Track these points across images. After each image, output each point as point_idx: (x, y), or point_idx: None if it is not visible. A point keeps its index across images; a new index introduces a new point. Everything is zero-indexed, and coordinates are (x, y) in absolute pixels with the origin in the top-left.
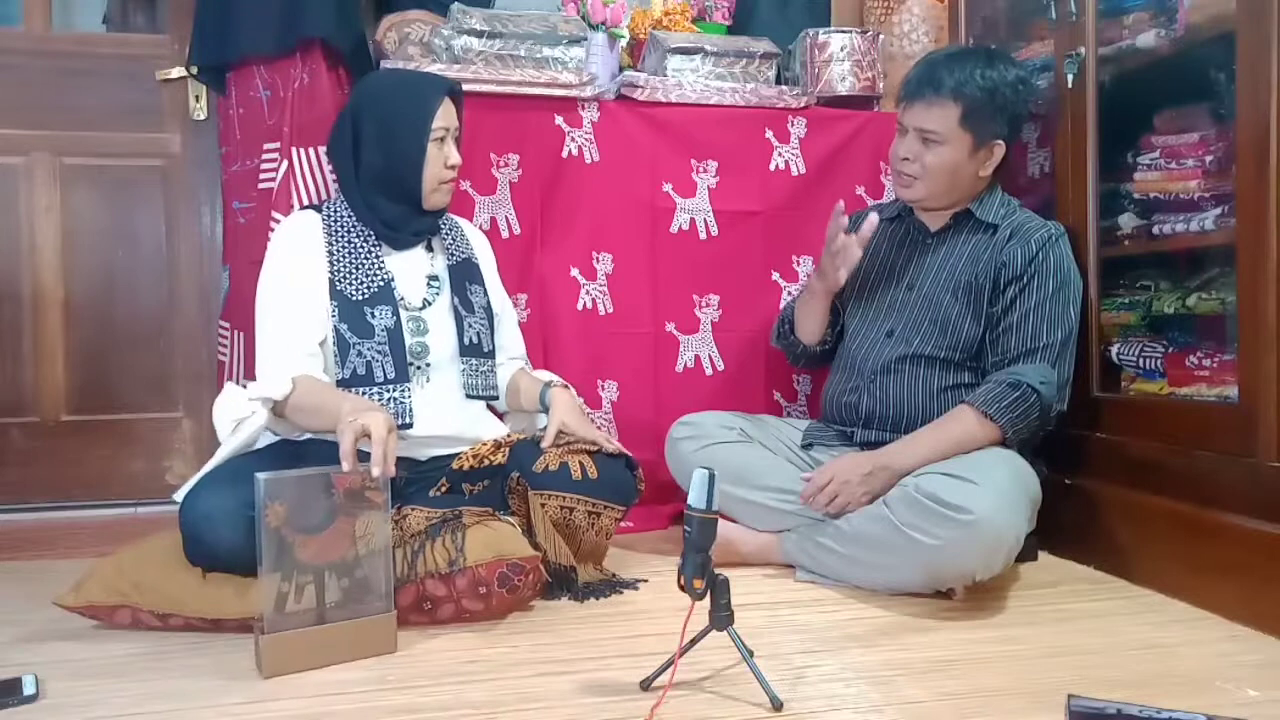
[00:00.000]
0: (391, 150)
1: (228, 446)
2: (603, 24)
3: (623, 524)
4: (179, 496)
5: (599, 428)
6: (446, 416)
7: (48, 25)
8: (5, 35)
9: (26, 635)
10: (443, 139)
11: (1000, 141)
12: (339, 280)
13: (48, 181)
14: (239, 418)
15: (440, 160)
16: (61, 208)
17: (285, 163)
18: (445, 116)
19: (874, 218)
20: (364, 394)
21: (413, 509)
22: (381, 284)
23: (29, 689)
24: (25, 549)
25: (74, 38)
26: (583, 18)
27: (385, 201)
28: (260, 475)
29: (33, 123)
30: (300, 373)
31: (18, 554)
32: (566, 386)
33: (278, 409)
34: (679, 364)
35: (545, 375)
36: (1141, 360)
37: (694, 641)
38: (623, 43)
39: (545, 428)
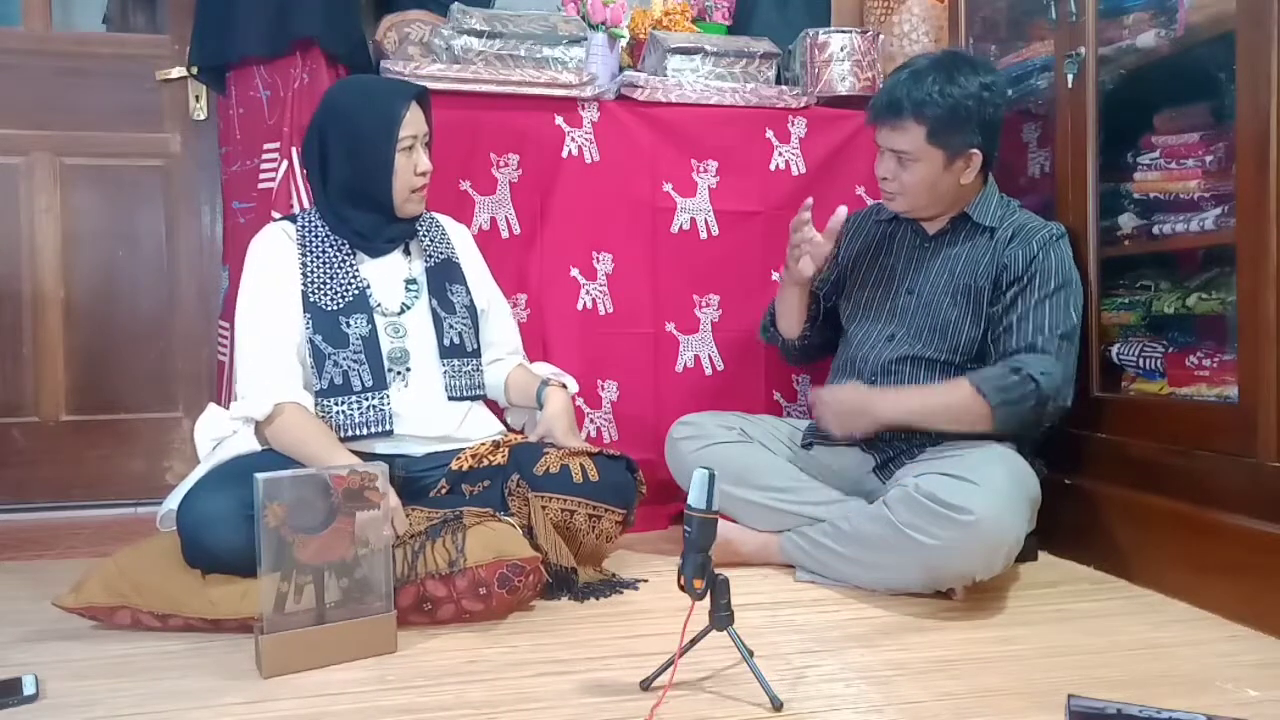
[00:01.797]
0: (359, 163)
1: (207, 463)
2: (603, 24)
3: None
4: (161, 523)
5: (599, 429)
6: (432, 419)
7: (48, 25)
8: (5, 35)
9: (26, 635)
10: (411, 147)
11: (975, 150)
12: (312, 292)
13: (48, 181)
14: (219, 437)
15: (410, 169)
16: (61, 208)
17: (285, 163)
18: (412, 124)
19: (841, 212)
20: (343, 403)
21: (413, 509)
22: (356, 292)
23: (29, 689)
24: (25, 549)
25: (74, 38)
26: (583, 18)
27: (356, 212)
28: (259, 476)
29: (33, 123)
30: (284, 398)
31: (18, 554)
32: (563, 386)
33: (258, 430)
34: (679, 364)
35: (545, 370)
36: (1141, 360)
37: (694, 641)
38: (623, 43)
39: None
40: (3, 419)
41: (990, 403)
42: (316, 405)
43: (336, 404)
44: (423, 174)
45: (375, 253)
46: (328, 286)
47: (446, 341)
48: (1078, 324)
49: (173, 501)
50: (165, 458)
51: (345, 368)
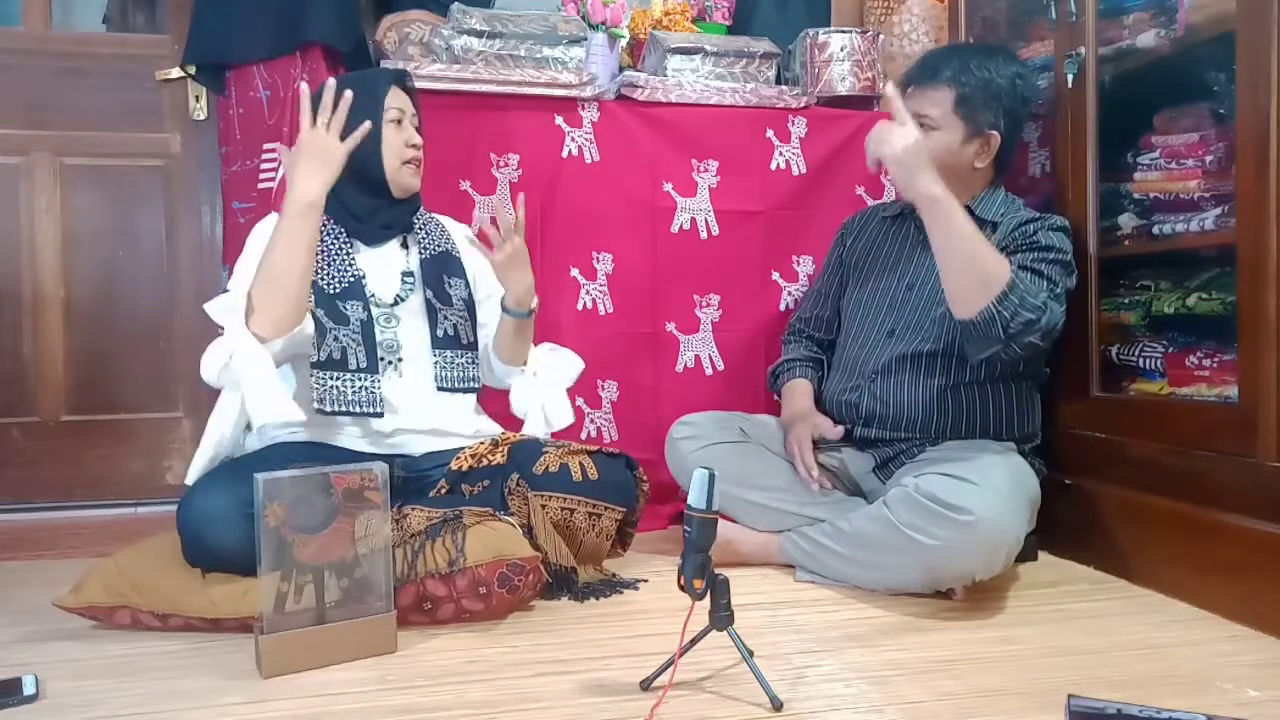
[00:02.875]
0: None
1: (228, 396)
2: (603, 24)
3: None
4: (190, 479)
5: (599, 429)
6: (421, 410)
7: (48, 25)
8: (5, 35)
9: (26, 635)
10: (399, 120)
11: (995, 133)
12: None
13: (48, 181)
14: (223, 361)
15: (399, 141)
16: (61, 208)
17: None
18: (397, 99)
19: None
20: (337, 378)
21: (413, 509)
22: (351, 280)
23: (29, 689)
24: (25, 549)
25: (74, 38)
26: (583, 18)
27: (353, 193)
28: (259, 475)
29: (33, 123)
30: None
31: (18, 554)
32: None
33: (249, 325)
34: (679, 364)
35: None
36: (1141, 360)
37: (694, 641)
38: (623, 43)
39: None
40: (3, 419)
41: (1009, 278)
42: (311, 375)
43: (331, 378)
44: (413, 146)
45: (371, 239)
46: (324, 272)
47: (440, 333)
48: (1068, 296)
49: (200, 458)
50: (165, 458)
51: (344, 344)
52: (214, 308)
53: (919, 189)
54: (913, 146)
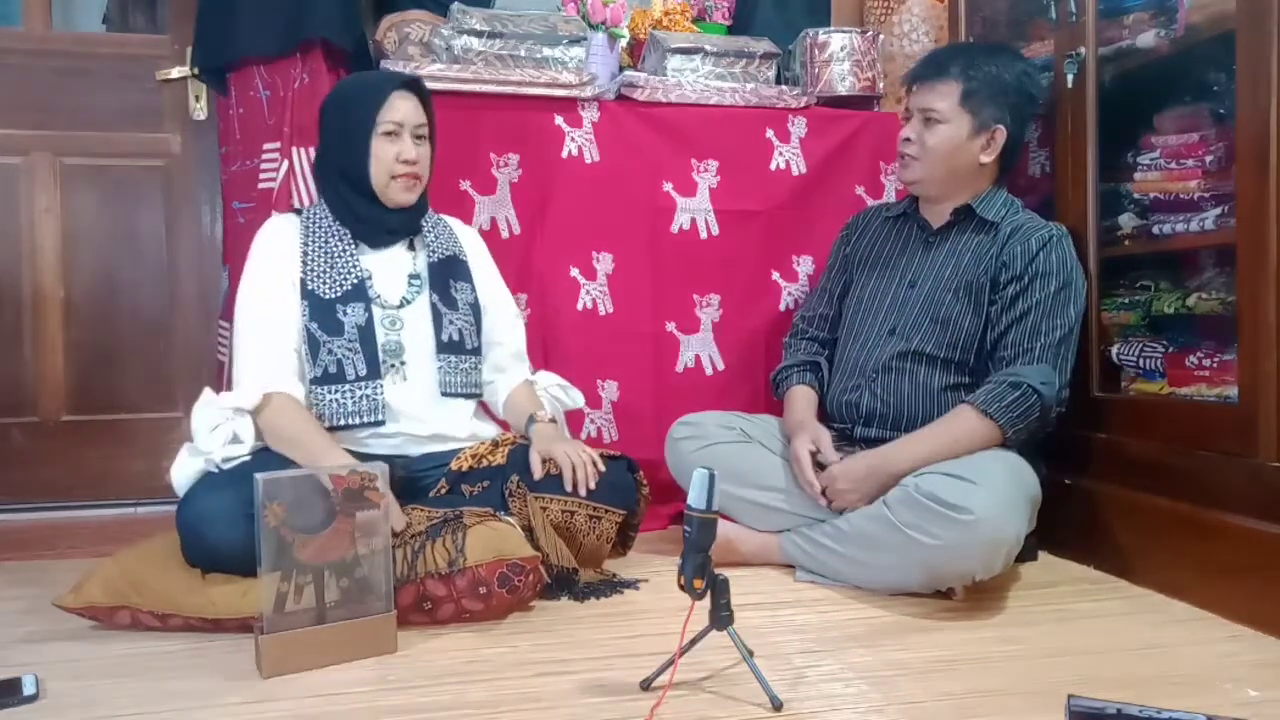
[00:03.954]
0: (345, 146)
1: (208, 444)
2: (603, 24)
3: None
4: (173, 478)
5: (599, 429)
6: (425, 414)
7: (48, 25)
8: (5, 35)
9: (26, 635)
10: (394, 133)
11: (1001, 128)
12: (310, 280)
13: (48, 181)
14: (216, 424)
15: (390, 156)
16: (61, 208)
17: (285, 163)
18: (399, 111)
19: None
20: (336, 391)
21: (413, 509)
22: (355, 282)
23: (29, 689)
24: (25, 549)
25: (74, 38)
26: (583, 18)
27: (355, 197)
28: (259, 475)
29: (33, 123)
30: (274, 388)
31: (18, 554)
32: (552, 420)
33: (254, 420)
34: (679, 364)
35: (547, 380)
36: (1141, 360)
37: (694, 641)
38: (623, 43)
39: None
40: (3, 419)
41: (999, 422)
42: (310, 394)
43: (330, 392)
44: (406, 162)
45: (375, 243)
46: (327, 275)
47: (444, 337)
48: (1076, 324)
49: (177, 474)
50: (165, 458)
51: (339, 356)
52: (229, 400)
53: (891, 479)
54: (847, 470)
